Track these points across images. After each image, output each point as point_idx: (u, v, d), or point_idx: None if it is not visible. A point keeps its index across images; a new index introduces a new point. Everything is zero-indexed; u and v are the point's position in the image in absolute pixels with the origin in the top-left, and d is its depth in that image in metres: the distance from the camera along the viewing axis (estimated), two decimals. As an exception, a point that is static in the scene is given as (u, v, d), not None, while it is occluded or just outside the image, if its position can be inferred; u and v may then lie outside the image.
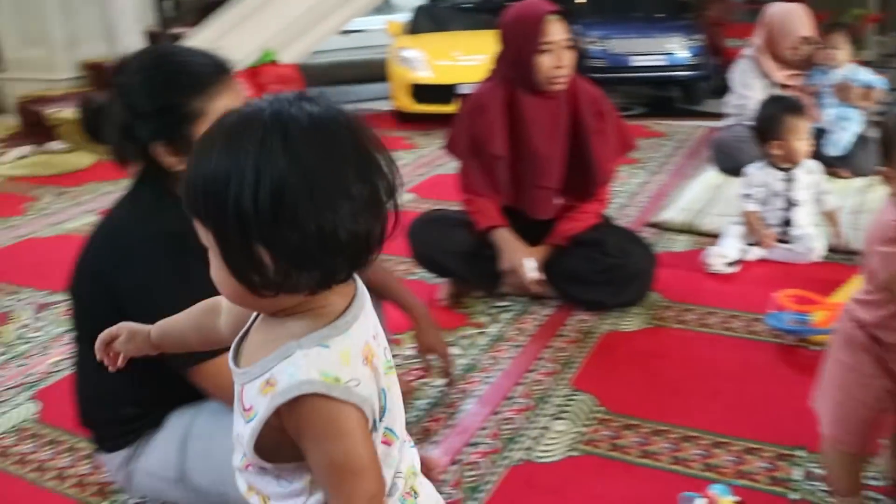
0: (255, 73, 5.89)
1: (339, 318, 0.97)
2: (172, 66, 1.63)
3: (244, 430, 0.99)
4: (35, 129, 6.32)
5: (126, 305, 1.63)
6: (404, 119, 5.74)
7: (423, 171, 4.63)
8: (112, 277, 1.65)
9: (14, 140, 6.38)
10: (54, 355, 2.71)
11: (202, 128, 1.60)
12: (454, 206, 3.37)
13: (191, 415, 1.78)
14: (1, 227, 4.19)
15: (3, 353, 2.75)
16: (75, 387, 1.87)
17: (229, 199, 0.88)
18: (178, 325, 1.33)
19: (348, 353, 0.95)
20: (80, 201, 4.60)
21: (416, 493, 1.11)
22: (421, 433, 2.10)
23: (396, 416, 1.05)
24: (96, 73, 7.11)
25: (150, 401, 1.79)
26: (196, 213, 0.93)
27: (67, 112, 6.02)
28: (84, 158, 5.51)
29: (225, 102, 1.63)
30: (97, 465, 2.05)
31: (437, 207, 3.18)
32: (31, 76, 7.42)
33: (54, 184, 5.02)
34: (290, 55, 6.24)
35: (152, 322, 1.66)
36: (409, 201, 4.05)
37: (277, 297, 0.93)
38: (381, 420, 1.00)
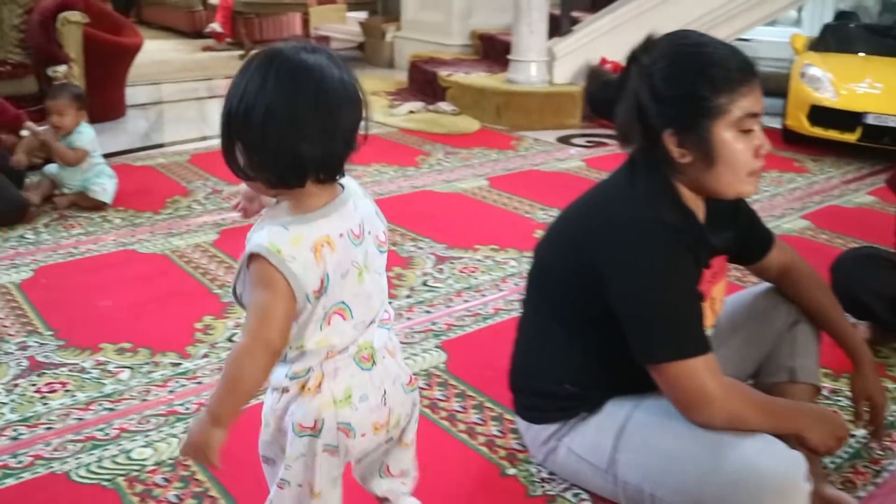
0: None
1: (309, 213, 1.31)
2: (705, 57, 1.59)
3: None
4: (424, 87, 6.70)
5: (606, 282, 1.63)
6: (793, 139, 5.42)
7: (817, 198, 4.34)
8: (597, 253, 1.65)
9: (403, 94, 6.80)
10: (457, 310, 2.82)
11: (720, 127, 1.57)
12: (854, 242, 3.15)
13: (631, 405, 1.75)
14: (399, 176, 4.49)
15: (408, 297, 2.92)
16: (516, 348, 1.90)
17: (228, 102, 1.28)
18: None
19: (300, 237, 1.28)
20: (470, 164, 4.79)
21: (374, 361, 1.41)
22: (841, 482, 1.96)
23: (359, 301, 1.36)
24: (485, 42, 7.41)
25: (594, 382, 1.78)
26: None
27: (458, 76, 6.32)
28: (470, 123, 5.75)
29: (748, 104, 1.58)
30: (510, 430, 2.10)
31: (866, 245, 2.94)
32: (424, 38, 7.88)
33: (443, 142, 5.28)
34: (682, 55, 6.11)
35: (628, 307, 1.65)
36: (805, 229, 3.81)
37: (255, 182, 1.31)
38: (319, 298, 1.30)
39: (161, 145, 5.31)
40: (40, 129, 3.82)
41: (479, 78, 6.27)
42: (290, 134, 1.24)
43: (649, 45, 1.65)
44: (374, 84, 7.35)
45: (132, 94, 6.55)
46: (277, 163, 1.26)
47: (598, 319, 1.68)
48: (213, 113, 6.71)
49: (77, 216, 3.78)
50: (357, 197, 1.39)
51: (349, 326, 1.36)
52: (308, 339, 1.33)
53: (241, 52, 9.13)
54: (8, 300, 2.95)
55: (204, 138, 5.54)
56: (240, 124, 1.25)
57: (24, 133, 3.79)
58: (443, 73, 6.42)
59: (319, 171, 1.29)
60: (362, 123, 1.31)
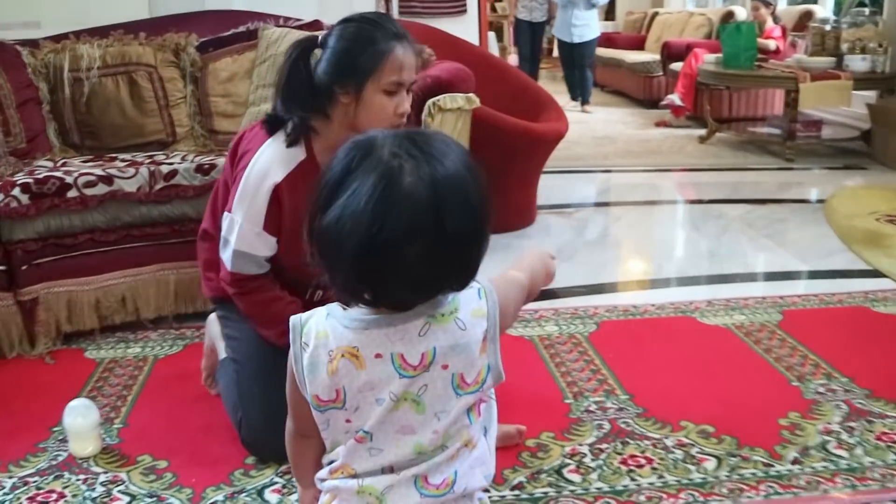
0: None
1: (356, 319, 1.18)
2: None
3: None
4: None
5: None
6: None
7: None
8: None
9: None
10: None
11: None
12: None
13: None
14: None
15: None
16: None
17: None
18: None
19: (327, 333, 1.19)
20: None
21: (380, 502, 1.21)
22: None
23: (385, 435, 1.19)
24: None
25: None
26: None
27: None
28: None
29: None
30: None
31: None
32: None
33: None
34: None
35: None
36: None
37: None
38: (330, 409, 1.19)
39: (600, 287, 3.53)
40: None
41: None
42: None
43: None
44: (879, 199, 5.05)
45: (550, 187, 4.99)
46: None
47: None
48: (668, 234, 4.87)
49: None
50: (441, 321, 1.16)
51: (364, 449, 1.22)
52: (330, 449, 1.26)
53: (701, 134, 7.27)
54: None
55: (651, 283, 3.79)
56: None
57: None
58: None
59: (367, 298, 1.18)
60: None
